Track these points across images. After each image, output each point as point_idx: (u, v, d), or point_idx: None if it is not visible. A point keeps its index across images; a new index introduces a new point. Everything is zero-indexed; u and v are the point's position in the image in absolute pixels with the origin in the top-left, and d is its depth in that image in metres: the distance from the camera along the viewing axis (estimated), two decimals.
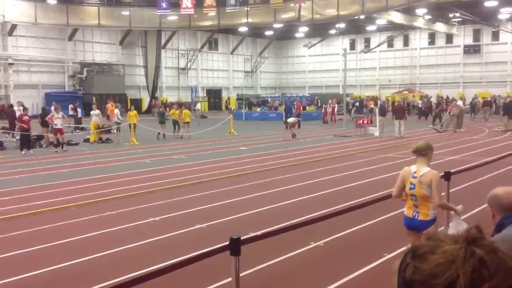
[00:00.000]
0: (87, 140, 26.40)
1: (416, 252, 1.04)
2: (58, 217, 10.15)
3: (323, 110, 41.10)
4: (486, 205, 3.65)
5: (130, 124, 25.82)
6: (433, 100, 49.71)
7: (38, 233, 9.05)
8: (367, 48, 67.30)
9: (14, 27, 47.13)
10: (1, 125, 27.99)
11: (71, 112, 35.58)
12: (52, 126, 25.95)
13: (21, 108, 25.05)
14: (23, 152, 21.39)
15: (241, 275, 4.57)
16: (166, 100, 55.28)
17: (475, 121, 39.18)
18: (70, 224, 9.64)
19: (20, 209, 10.85)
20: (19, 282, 6.72)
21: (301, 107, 40.23)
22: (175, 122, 28.57)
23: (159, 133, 27.51)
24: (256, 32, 65.62)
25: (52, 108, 23.84)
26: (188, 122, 28.85)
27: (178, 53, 62.38)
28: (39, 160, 19.74)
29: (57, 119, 22.85)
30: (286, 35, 68.41)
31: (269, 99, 58.35)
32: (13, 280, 6.74)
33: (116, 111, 28.01)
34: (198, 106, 47.70)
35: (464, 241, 1.02)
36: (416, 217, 5.49)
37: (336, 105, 40.82)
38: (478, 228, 1.07)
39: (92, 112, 27.12)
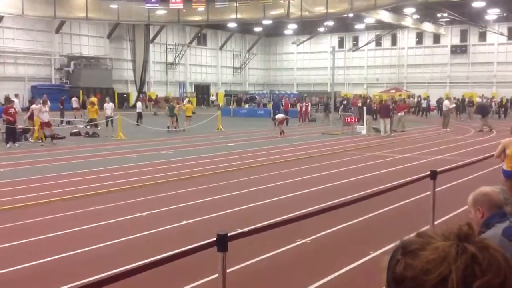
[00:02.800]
0: (74, 134, 26.21)
1: (407, 249, 1.04)
2: (43, 211, 10.07)
3: (298, 109, 38.81)
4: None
5: (114, 119, 25.70)
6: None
7: (23, 227, 8.97)
8: (356, 46, 67.56)
9: (0, 18, 46.61)
10: None
11: (75, 105, 35.32)
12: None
13: (16, 100, 25.08)
14: (8, 145, 21.19)
15: (228, 271, 4.56)
16: (157, 96, 54.90)
17: (461, 121, 39.49)
18: (55, 218, 9.57)
19: (4, 202, 10.74)
20: (2, 277, 6.66)
21: (289, 104, 40.21)
22: (177, 117, 29.73)
23: (172, 127, 28.92)
24: (245, 28, 65.53)
25: (37, 103, 23.60)
26: (190, 116, 30.12)
27: (167, 48, 62.11)
28: (25, 153, 19.56)
29: (45, 113, 22.61)
30: (274, 31, 68.41)
31: (257, 96, 58.31)
32: None
33: (106, 105, 27.80)
34: (186, 101, 47.28)
35: (456, 238, 1.03)
36: None
37: (309, 103, 38.83)
38: (470, 225, 1.07)
39: (32, 107, 23.70)
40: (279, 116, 27.88)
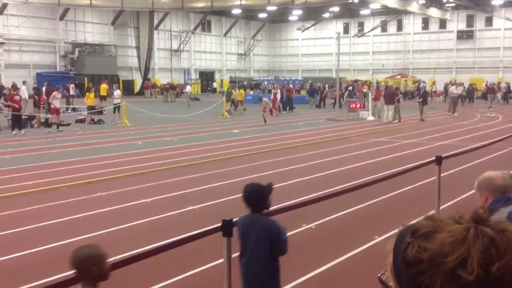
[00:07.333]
0: (79, 121, 26.26)
1: (418, 232, 1.03)
2: (48, 197, 10.12)
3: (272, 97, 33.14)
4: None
5: (120, 106, 25.73)
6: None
7: (28, 214, 9.03)
8: (361, 32, 67.13)
9: (5, 6, 46.50)
10: None
11: (71, 92, 35.31)
12: (43, 106, 25.73)
13: (23, 87, 25.24)
14: (14, 132, 21.26)
15: (233, 256, 4.58)
16: (168, 83, 54.33)
17: (467, 107, 39.29)
18: (60, 204, 9.61)
19: (10, 189, 10.80)
20: (7, 263, 6.71)
21: (294, 91, 39.91)
22: (233, 101, 32.64)
23: (227, 111, 31.02)
24: (249, 14, 65.20)
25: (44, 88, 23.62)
26: (241, 101, 33.37)
27: (171, 34, 61.91)
28: (30, 140, 19.63)
29: (57, 100, 22.71)
30: (279, 18, 68.02)
31: (264, 83, 58.18)
32: (1, 261, 6.73)
33: (117, 92, 27.83)
34: (188, 88, 46.83)
35: (472, 221, 1.02)
36: None
37: (278, 91, 33.40)
38: (484, 209, 1.07)
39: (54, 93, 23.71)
40: (265, 99, 26.65)
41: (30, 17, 49.14)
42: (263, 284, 4.38)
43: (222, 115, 29.96)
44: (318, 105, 38.93)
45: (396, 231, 1.09)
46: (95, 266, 3.18)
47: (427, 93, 30.11)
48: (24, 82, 29.39)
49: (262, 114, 25.50)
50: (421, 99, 27.99)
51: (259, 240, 4.29)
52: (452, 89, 33.21)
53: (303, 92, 50.99)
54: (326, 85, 41.89)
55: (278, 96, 33.17)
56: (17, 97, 22.33)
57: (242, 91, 35.79)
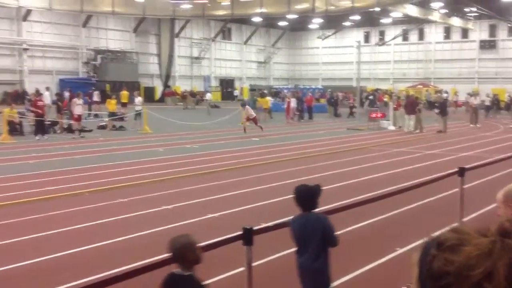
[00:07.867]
0: (100, 127, 26.52)
1: (444, 244, 1.03)
2: (69, 203, 10.21)
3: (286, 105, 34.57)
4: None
5: (141, 112, 25.95)
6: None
7: (50, 218, 9.12)
8: (382, 41, 66.87)
9: (28, 12, 47.35)
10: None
11: (95, 98, 35.75)
12: (65, 112, 25.99)
13: (47, 93, 25.71)
14: (37, 138, 21.54)
15: (253, 264, 4.57)
16: (185, 90, 54.77)
17: (489, 118, 38.76)
18: (81, 210, 9.70)
19: (32, 194, 10.93)
20: (27, 267, 6.77)
21: (312, 99, 39.69)
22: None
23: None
24: (269, 22, 65.40)
25: (67, 94, 23.93)
26: (267, 108, 33.60)
27: (192, 42, 62.37)
28: (53, 145, 19.87)
29: (78, 106, 22.98)
30: (300, 26, 68.11)
31: (285, 91, 58.22)
32: (22, 265, 6.81)
33: (138, 99, 28.14)
34: (209, 95, 47.05)
35: (498, 234, 1.02)
36: None
37: (292, 99, 33.53)
38: (510, 222, 1.06)
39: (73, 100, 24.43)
40: (248, 108, 25.76)
41: (53, 23, 49.93)
42: (318, 278, 4.65)
43: (242, 123, 29.98)
44: (336, 114, 38.89)
45: (420, 243, 1.09)
46: (190, 252, 3.73)
47: (446, 103, 29.46)
48: (47, 88, 29.85)
49: (243, 123, 24.77)
50: (439, 110, 27.57)
51: (313, 235, 4.58)
52: (472, 100, 32.84)
53: (323, 101, 50.80)
54: (340, 94, 41.85)
55: (292, 105, 33.37)
56: (40, 103, 22.66)
57: (267, 98, 35.36)
